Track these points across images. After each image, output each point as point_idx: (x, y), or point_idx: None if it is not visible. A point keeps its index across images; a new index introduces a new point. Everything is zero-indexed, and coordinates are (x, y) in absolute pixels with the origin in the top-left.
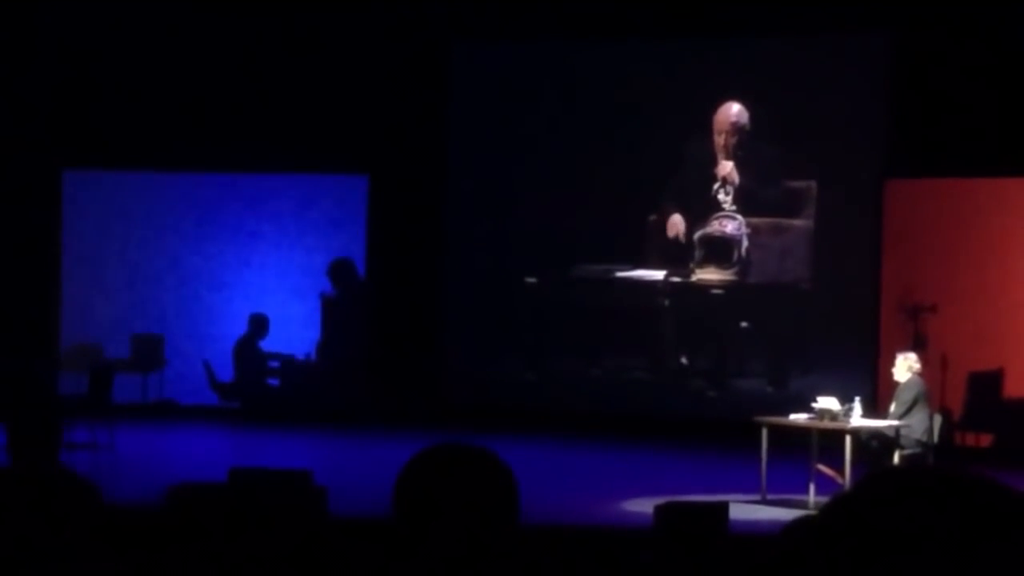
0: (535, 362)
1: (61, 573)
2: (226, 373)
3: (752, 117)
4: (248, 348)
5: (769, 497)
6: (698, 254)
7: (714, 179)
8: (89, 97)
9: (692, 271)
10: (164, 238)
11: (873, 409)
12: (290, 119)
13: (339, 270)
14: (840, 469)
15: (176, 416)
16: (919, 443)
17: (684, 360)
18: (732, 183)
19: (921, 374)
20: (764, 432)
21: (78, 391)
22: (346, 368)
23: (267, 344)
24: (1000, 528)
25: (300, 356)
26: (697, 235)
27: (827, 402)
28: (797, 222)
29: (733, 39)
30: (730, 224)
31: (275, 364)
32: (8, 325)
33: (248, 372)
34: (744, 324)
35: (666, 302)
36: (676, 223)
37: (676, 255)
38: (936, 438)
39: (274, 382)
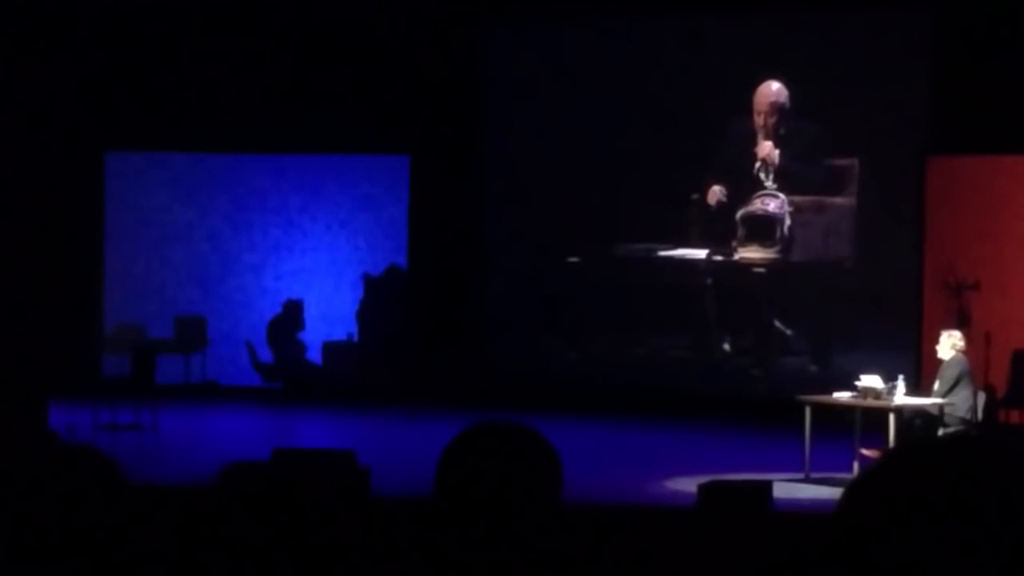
0: (578, 341)
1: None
2: (267, 354)
3: (793, 95)
4: (280, 331)
5: (812, 475)
6: (741, 233)
7: (755, 159)
8: (131, 79)
9: (735, 250)
10: (206, 219)
11: (916, 387)
12: (332, 100)
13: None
14: (884, 448)
15: (219, 397)
16: (963, 421)
17: (727, 339)
18: (771, 163)
19: (965, 352)
20: (807, 411)
21: (121, 372)
22: (389, 348)
23: (309, 324)
24: None
25: (342, 336)
26: (740, 213)
27: (870, 380)
28: (839, 200)
29: (774, 15)
30: (772, 202)
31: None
32: (53, 306)
33: (285, 353)
34: (777, 312)
35: (709, 281)
36: (716, 192)
37: (719, 234)
38: (980, 416)
39: (315, 360)
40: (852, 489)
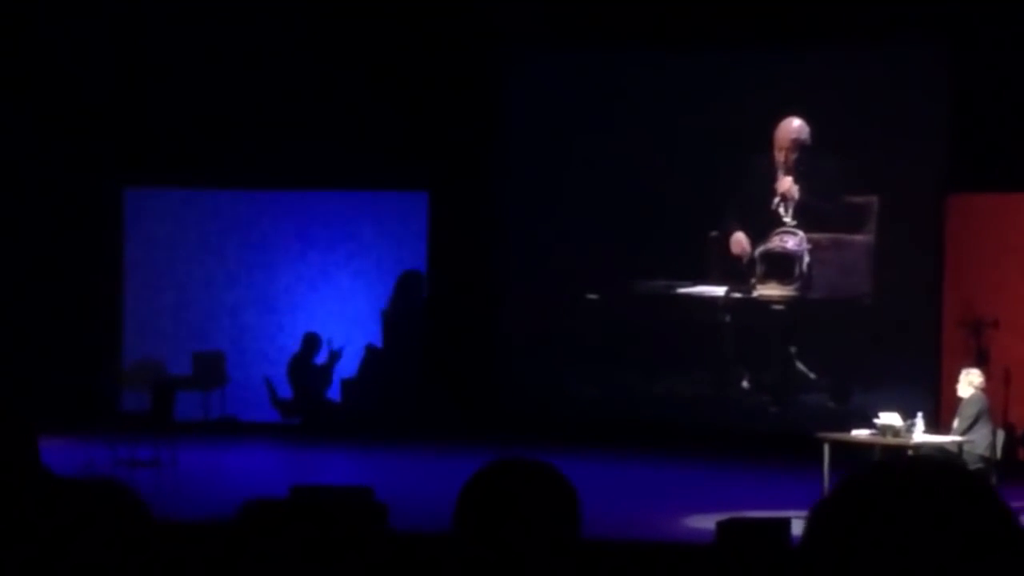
0: (597, 377)
1: None
2: (286, 390)
3: (814, 132)
4: (301, 366)
5: None
6: (759, 270)
7: (774, 194)
8: (150, 115)
9: (753, 287)
10: (226, 255)
11: (935, 425)
12: (350, 136)
13: (405, 283)
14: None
15: (238, 433)
16: (982, 459)
17: (746, 376)
18: (791, 199)
19: (984, 389)
20: (826, 448)
21: (141, 408)
22: (407, 384)
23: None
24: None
25: (360, 373)
26: (758, 251)
27: (889, 418)
28: (858, 237)
29: (795, 52)
30: (791, 240)
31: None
32: (72, 342)
33: (304, 389)
34: (796, 349)
35: (727, 318)
36: (740, 240)
37: (737, 271)
38: (999, 454)
39: (333, 397)
40: (815, 513)
